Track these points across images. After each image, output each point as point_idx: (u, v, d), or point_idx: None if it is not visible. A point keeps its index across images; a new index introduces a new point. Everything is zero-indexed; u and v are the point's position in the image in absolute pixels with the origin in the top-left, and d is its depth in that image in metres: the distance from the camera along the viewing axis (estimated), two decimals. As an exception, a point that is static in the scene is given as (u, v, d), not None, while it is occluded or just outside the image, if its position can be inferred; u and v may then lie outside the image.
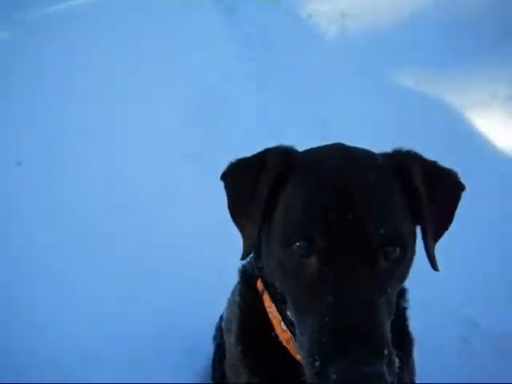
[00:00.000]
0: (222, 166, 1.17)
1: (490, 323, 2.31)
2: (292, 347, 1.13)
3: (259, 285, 1.20)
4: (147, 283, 2.28)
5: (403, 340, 1.25)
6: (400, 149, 1.11)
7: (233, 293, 1.40)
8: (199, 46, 3.62)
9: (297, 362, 1.09)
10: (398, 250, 0.94)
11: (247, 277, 1.27)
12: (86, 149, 2.89)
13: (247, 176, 1.07)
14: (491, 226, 2.64)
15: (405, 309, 1.28)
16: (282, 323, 1.13)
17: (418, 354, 1.40)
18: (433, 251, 1.06)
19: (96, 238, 2.47)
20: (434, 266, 1.07)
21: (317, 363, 0.86)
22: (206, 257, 2.33)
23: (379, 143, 3.19)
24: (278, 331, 1.15)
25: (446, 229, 1.09)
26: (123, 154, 2.89)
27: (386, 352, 0.86)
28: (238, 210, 1.09)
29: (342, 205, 0.92)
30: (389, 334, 0.91)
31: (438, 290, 2.37)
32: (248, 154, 1.16)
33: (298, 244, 0.93)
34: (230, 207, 1.10)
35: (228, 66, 3.59)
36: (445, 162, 3.01)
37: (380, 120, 3.34)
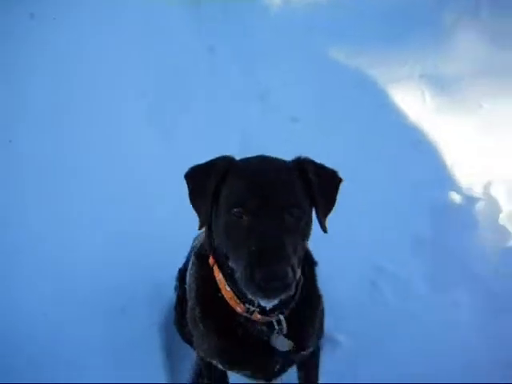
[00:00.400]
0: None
1: (394, 269, 2.80)
2: (234, 303, 1.61)
3: (211, 261, 1.66)
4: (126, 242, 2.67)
5: (312, 295, 1.76)
6: (300, 156, 1.63)
7: (191, 268, 1.85)
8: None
9: (237, 314, 1.62)
10: (298, 211, 1.44)
11: (201, 257, 1.74)
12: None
13: (202, 175, 1.56)
14: (399, 187, 3.20)
15: (312, 266, 1.80)
16: (226, 285, 1.61)
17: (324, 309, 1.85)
18: (324, 223, 1.58)
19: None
20: (324, 230, 1.59)
21: (248, 272, 1.33)
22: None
23: (316, 112, 3.70)
24: (223, 292, 1.63)
25: (331, 209, 1.61)
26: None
27: (290, 265, 1.33)
28: (195, 199, 1.56)
29: (263, 185, 1.44)
30: (295, 263, 1.37)
31: (352, 243, 2.88)
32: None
33: (235, 209, 1.42)
34: (190, 197, 1.58)
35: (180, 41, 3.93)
36: (368, 127, 3.53)
37: (316, 91, 3.81)
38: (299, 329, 1.70)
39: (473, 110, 3.40)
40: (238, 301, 1.59)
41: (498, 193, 3.09)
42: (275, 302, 1.40)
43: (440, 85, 3.60)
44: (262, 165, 1.54)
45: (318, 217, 1.56)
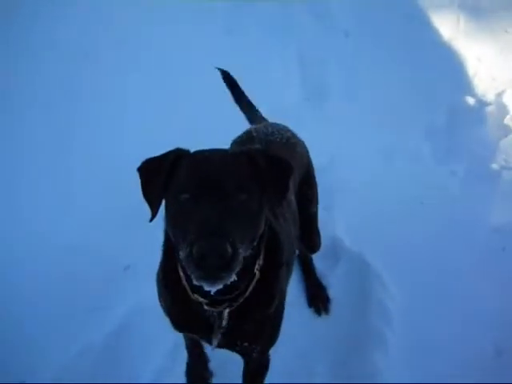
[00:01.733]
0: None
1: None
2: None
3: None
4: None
5: (267, 295, 1.66)
6: (252, 147, 1.63)
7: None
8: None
9: (195, 301, 1.58)
10: (244, 196, 1.38)
11: (167, 250, 1.68)
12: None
13: (153, 168, 1.51)
14: (423, 87, 3.80)
15: (278, 267, 1.69)
16: (183, 278, 1.59)
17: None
18: (276, 208, 1.64)
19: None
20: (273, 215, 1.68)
21: (188, 251, 1.26)
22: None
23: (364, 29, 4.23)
24: (184, 282, 1.59)
25: (282, 197, 1.55)
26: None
27: (230, 242, 1.25)
28: (146, 192, 1.51)
29: (208, 171, 1.39)
30: (239, 246, 1.29)
31: (366, 129, 3.42)
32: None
33: (180, 196, 1.38)
34: (142, 190, 1.52)
35: None
36: (407, 42, 4.11)
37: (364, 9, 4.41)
38: (242, 326, 1.66)
39: (499, 34, 3.96)
40: (191, 294, 1.58)
41: (508, 100, 3.65)
42: (218, 285, 1.32)
43: (474, 12, 4.16)
44: (211, 154, 1.49)
45: (268, 204, 1.50)
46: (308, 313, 2.58)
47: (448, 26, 4.19)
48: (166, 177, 1.45)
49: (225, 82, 2.57)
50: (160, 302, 1.81)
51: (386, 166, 3.23)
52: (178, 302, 1.68)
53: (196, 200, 1.35)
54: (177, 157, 1.49)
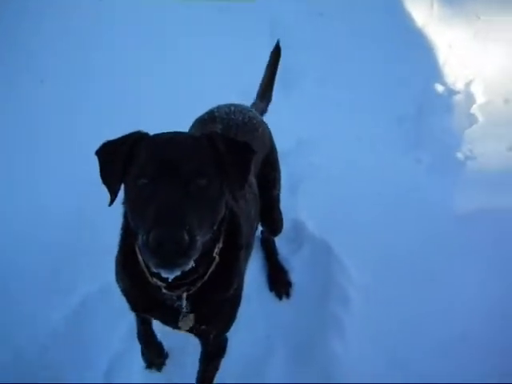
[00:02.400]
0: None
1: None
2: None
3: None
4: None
5: (226, 277, 1.64)
6: (212, 131, 1.59)
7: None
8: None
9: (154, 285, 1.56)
10: (203, 180, 1.35)
11: (125, 232, 1.65)
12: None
13: (112, 151, 1.46)
14: (393, 74, 3.79)
15: (237, 249, 1.67)
16: (142, 262, 1.56)
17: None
18: (237, 194, 1.51)
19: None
20: (235, 200, 1.57)
21: (144, 238, 1.24)
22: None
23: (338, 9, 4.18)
24: (142, 266, 1.57)
25: (243, 181, 1.50)
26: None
27: (186, 229, 1.22)
28: (105, 175, 1.47)
29: (166, 154, 1.36)
30: (197, 232, 1.26)
31: (339, 117, 3.42)
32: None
33: (138, 180, 1.34)
34: (100, 174, 1.47)
35: None
36: (379, 27, 4.04)
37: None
38: (201, 309, 1.65)
39: (472, 20, 3.96)
40: (149, 277, 1.56)
41: (476, 90, 3.68)
42: (176, 272, 1.30)
43: (448, -1, 4.15)
44: (171, 137, 1.45)
45: (229, 189, 1.47)
46: (269, 296, 2.57)
47: (421, 12, 4.16)
48: (125, 160, 1.42)
49: (272, 55, 2.57)
50: (118, 282, 1.79)
51: (354, 153, 3.21)
52: (136, 285, 1.66)
53: (154, 185, 1.32)
54: (136, 140, 1.45)
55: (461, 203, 2.99)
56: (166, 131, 1.49)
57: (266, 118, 2.38)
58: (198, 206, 1.31)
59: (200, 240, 1.29)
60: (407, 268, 2.65)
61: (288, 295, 2.58)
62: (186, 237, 1.22)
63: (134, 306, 1.78)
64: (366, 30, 4.07)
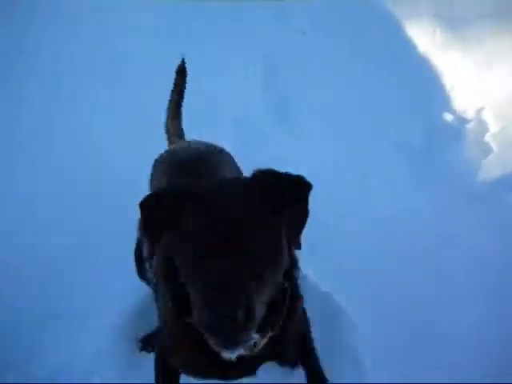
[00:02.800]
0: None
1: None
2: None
3: None
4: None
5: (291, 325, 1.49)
6: (259, 169, 1.34)
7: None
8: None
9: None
10: (265, 245, 1.21)
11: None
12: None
13: (153, 205, 1.34)
14: (400, 101, 3.54)
15: (296, 300, 1.52)
16: None
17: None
18: (295, 241, 1.34)
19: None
20: (297, 247, 1.37)
21: (199, 314, 1.15)
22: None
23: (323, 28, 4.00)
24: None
25: (304, 223, 1.31)
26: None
27: (243, 306, 1.10)
28: (147, 231, 1.40)
29: (222, 225, 1.19)
30: (255, 302, 1.14)
31: (342, 147, 3.19)
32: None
33: (196, 250, 1.20)
34: (143, 228, 1.43)
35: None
36: (378, 53, 3.83)
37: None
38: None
39: (476, 46, 3.72)
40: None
41: (488, 117, 3.41)
42: (238, 350, 1.26)
43: (450, 24, 3.93)
44: (221, 194, 1.28)
45: (288, 234, 1.30)
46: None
47: (423, 37, 3.93)
48: (167, 217, 1.28)
49: (177, 74, 2.33)
50: (165, 352, 1.66)
51: (359, 194, 2.93)
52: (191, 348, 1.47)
53: (209, 257, 1.17)
54: (179, 195, 1.29)
55: (481, 245, 2.67)
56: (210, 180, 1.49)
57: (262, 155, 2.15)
58: (260, 268, 1.19)
59: (260, 308, 1.17)
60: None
61: None
62: (241, 316, 1.10)
63: (190, 372, 1.62)
64: (366, 56, 3.85)
